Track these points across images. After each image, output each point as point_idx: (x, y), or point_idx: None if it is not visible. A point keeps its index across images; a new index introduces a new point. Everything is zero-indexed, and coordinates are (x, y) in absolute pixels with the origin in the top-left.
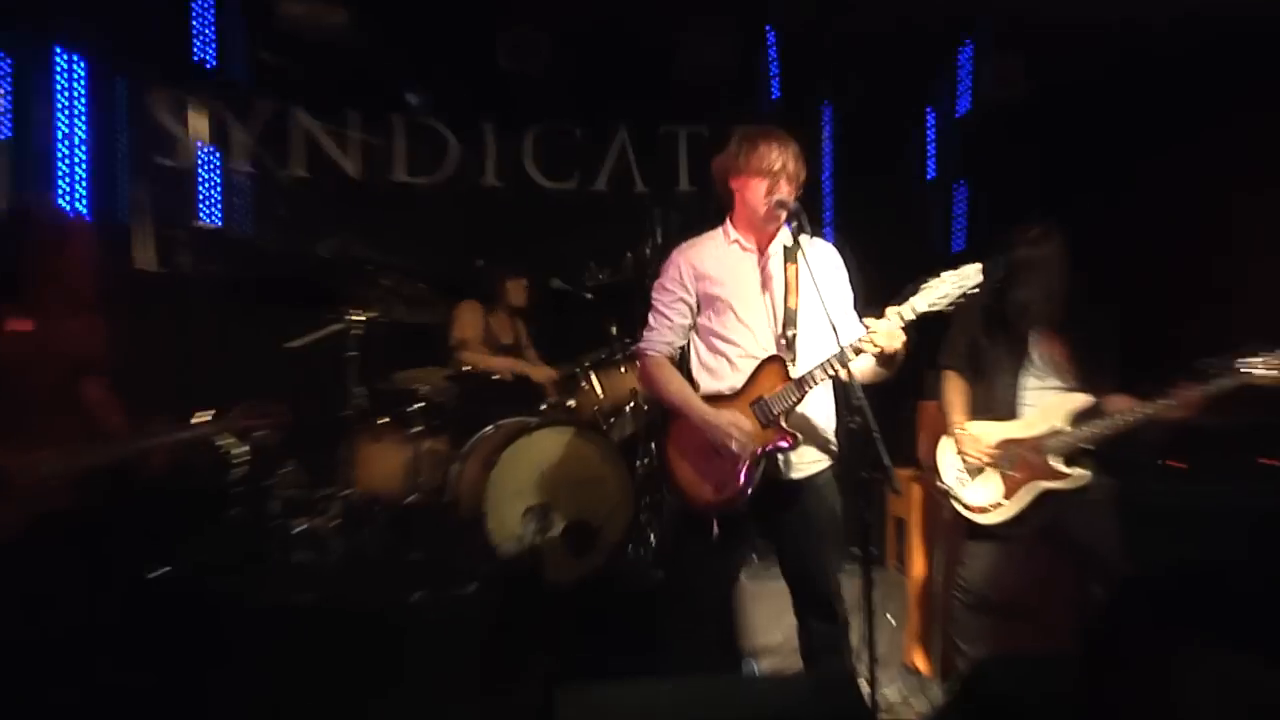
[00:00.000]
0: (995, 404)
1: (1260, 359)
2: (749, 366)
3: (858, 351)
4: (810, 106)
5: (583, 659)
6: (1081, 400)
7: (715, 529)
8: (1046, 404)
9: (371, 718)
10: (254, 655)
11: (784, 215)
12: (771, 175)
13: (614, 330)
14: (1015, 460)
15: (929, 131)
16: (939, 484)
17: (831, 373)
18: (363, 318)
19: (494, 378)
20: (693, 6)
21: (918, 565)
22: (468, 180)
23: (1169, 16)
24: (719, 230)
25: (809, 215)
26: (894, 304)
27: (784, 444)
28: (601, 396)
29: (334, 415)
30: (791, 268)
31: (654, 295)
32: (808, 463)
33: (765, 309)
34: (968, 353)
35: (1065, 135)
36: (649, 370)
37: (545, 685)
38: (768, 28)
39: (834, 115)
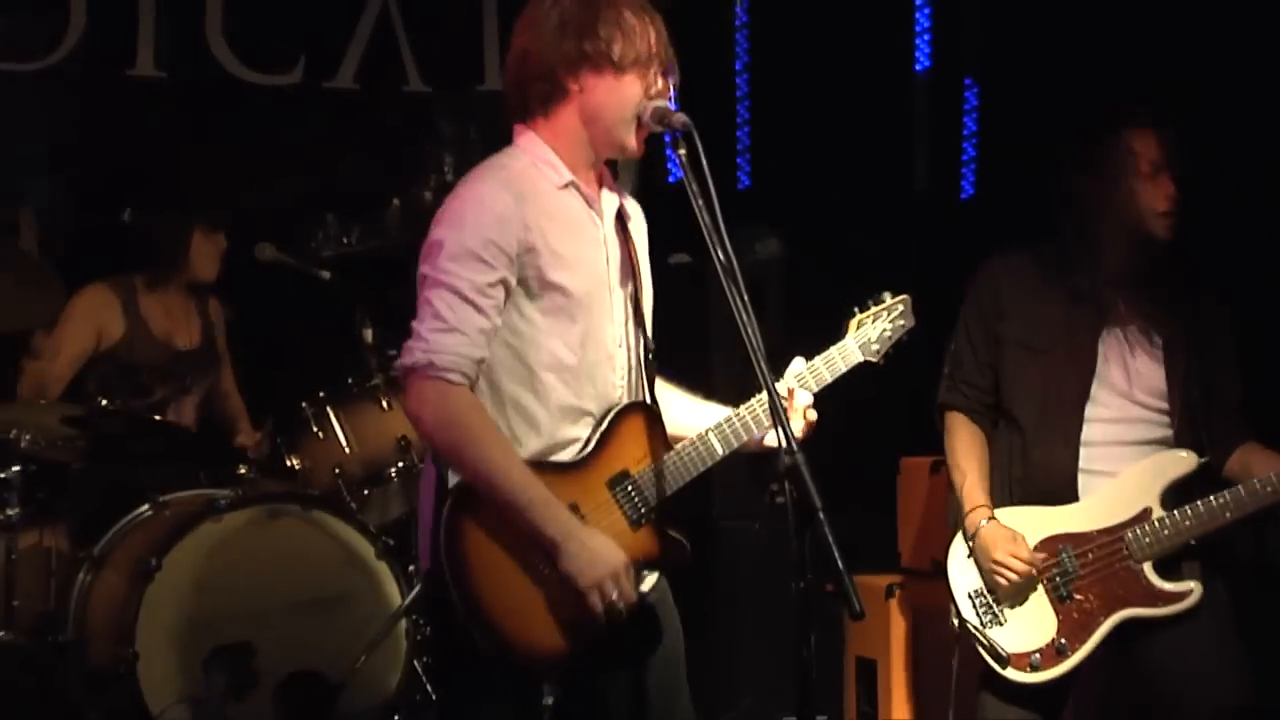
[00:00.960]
0: (1038, 468)
1: None
2: (596, 411)
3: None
4: None
5: None
6: (1188, 462)
7: (547, 697)
8: (1134, 469)
9: None
10: None
11: (664, 135)
12: (650, 65)
13: (368, 335)
14: (1077, 574)
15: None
16: (955, 618)
17: (724, 450)
18: None
19: (157, 418)
20: None
21: None
22: (104, 68)
23: None
24: (528, 159)
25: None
26: (798, 367)
27: (659, 562)
28: (348, 450)
29: None
30: (632, 239)
31: (449, 266)
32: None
33: (620, 314)
34: (986, 371)
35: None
36: (446, 406)
37: None
38: None
39: None
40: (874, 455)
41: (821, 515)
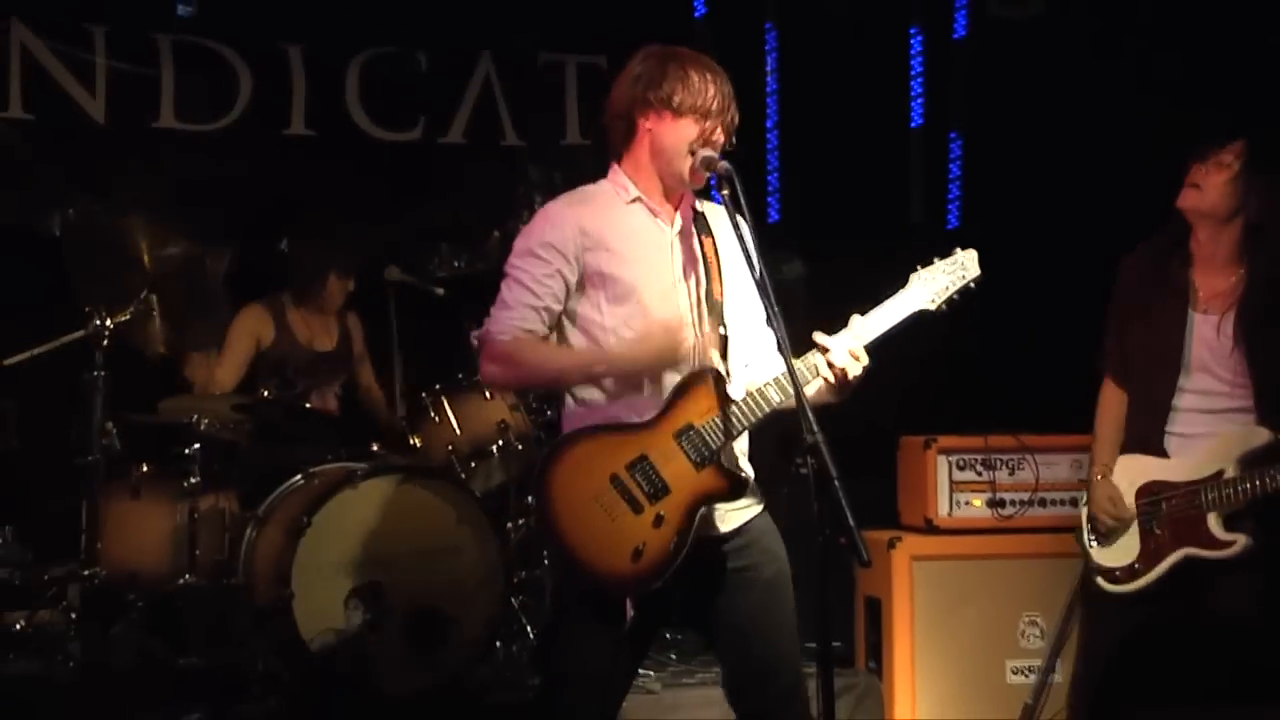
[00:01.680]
0: (1137, 428)
1: None
2: (665, 382)
3: (815, 372)
4: (749, 29)
5: None
6: (1262, 436)
7: (629, 615)
8: (1220, 435)
9: None
10: None
11: (709, 177)
12: (707, 116)
13: (475, 339)
14: (1162, 514)
15: (914, 62)
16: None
17: (781, 397)
18: (113, 322)
19: (307, 405)
20: None
21: (904, 664)
22: (265, 127)
23: None
24: (608, 184)
25: (747, 186)
26: (860, 311)
27: (727, 494)
28: (458, 432)
29: (71, 461)
30: (709, 243)
31: (515, 263)
32: (736, 507)
33: (685, 301)
34: (1121, 341)
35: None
36: (501, 352)
37: None
38: None
39: (780, 41)
40: (878, 433)
41: (836, 483)
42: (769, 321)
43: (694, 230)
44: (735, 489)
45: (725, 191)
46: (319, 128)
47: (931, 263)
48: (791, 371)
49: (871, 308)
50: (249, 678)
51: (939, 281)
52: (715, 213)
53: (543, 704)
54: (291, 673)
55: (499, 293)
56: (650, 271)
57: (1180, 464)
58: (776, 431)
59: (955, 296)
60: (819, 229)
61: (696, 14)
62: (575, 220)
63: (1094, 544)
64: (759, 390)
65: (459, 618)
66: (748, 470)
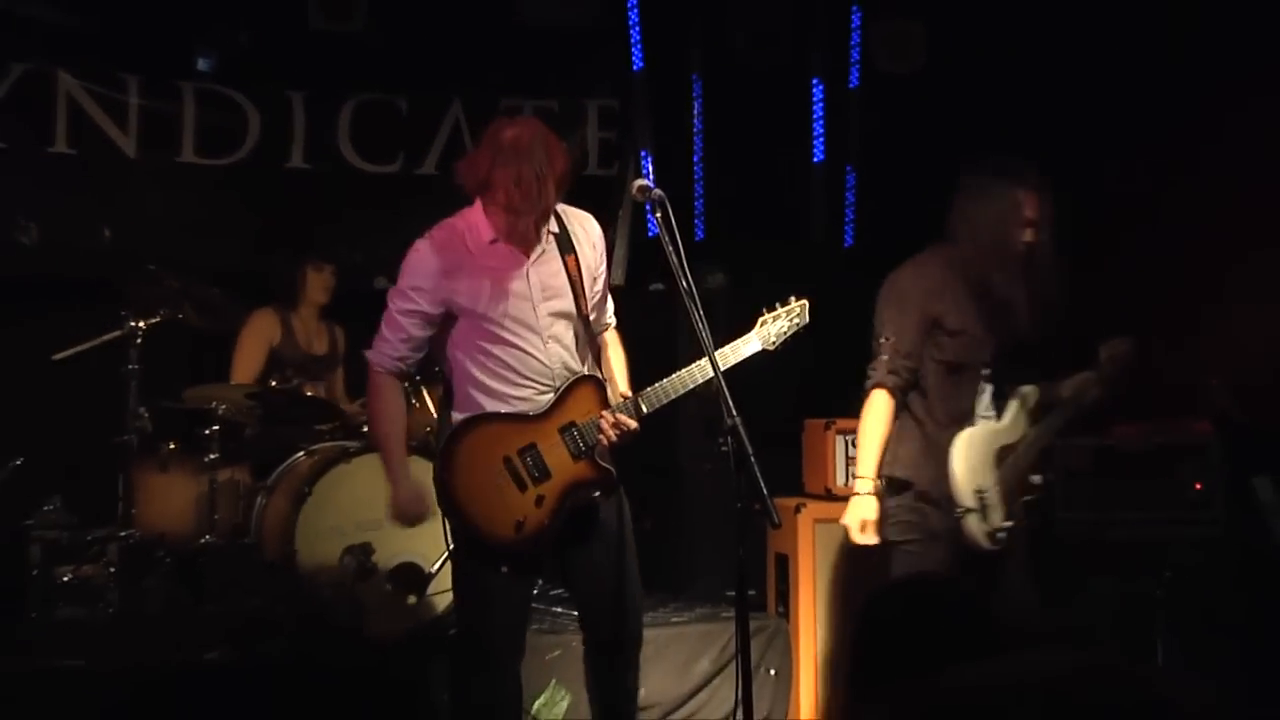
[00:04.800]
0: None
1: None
2: (536, 384)
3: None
4: (677, 80)
5: None
6: (1041, 391)
7: (504, 568)
8: (1020, 396)
9: None
10: None
11: (645, 203)
12: (521, 206)
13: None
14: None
15: (816, 107)
16: (959, 509)
17: (649, 405)
18: (144, 324)
19: (308, 394)
20: None
21: (807, 609)
22: (270, 161)
23: None
24: (471, 223)
25: (677, 210)
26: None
27: (595, 484)
28: (435, 415)
29: (110, 441)
30: (570, 261)
31: (391, 298)
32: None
33: (541, 321)
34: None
35: (968, 111)
36: (371, 385)
37: None
38: None
39: (705, 89)
40: (787, 417)
41: (751, 459)
42: (694, 324)
43: (557, 253)
44: (604, 481)
45: (658, 214)
46: (314, 161)
47: (775, 309)
48: (714, 364)
49: (729, 342)
50: (259, 622)
51: (779, 326)
52: (576, 223)
53: (461, 639)
54: (295, 617)
55: (381, 319)
56: (508, 301)
57: (1008, 427)
58: (702, 415)
59: (788, 338)
60: (736, 245)
61: (635, 67)
62: (436, 265)
63: (977, 516)
64: (630, 399)
65: (437, 570)
66: (609, 464)
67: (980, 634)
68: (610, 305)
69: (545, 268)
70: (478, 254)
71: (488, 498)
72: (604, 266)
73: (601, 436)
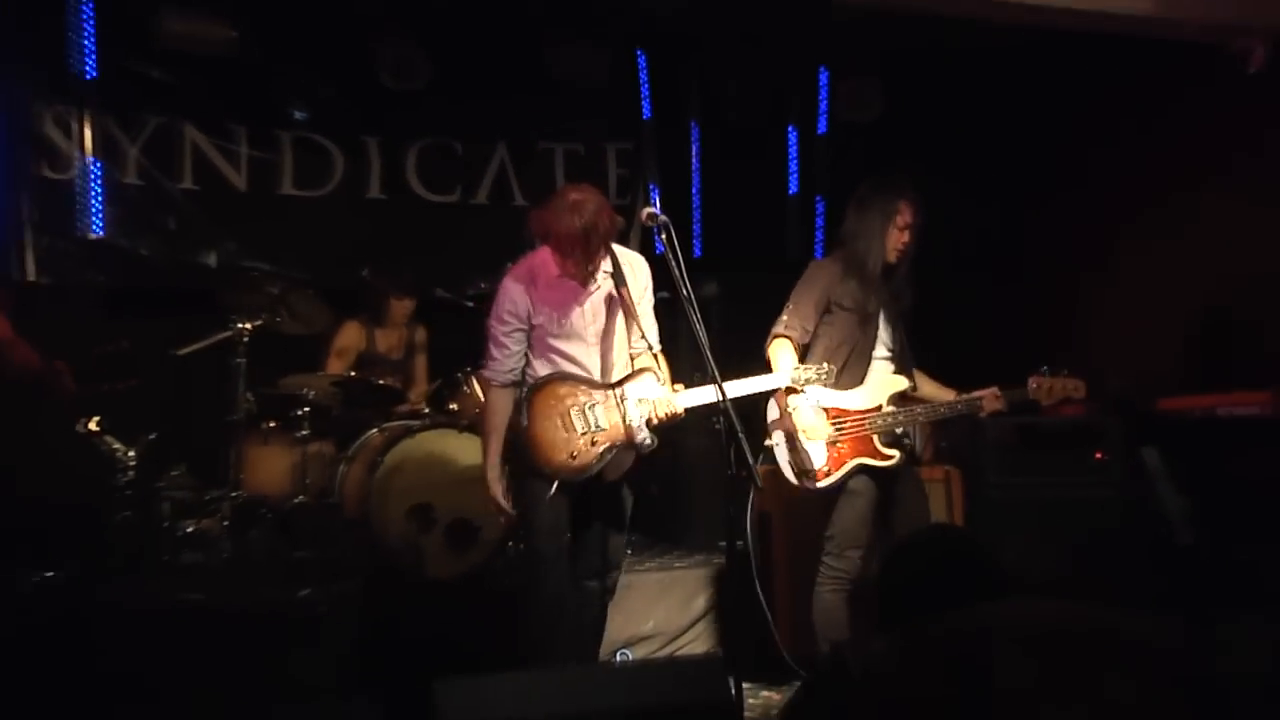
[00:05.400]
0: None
1: (1039, 378)
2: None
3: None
4: (679, 126)
5: (463, 652)
6: (904, 383)
7: (553, 488)
8: (879, 379)
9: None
10: (143, 654)
11: (653, 227)
12: (579, 255)
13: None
14: (845, 431)
15: (791, 149)
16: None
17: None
18: (250, 326)
19: (379, 383)
20: (566, 34)
21: (783, 559)
22: (352, 193)
23: (1011, 40)
24: (546, 260)
25: (678, 232)
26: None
27: (634, 446)
28: (482, 400)
29: (223, 419)
30: (625, 292)
31: (491, 324)
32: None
33: (590, 336)
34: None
35: (916, 151)
36: (485, 397)
37: (425, 678)
38: (639, 51)
39: (701, 134)
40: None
41: (739, 434)
42: (694, 327)
43: (611, 286)
44: (638, 445)
45: (664, 235)
46: (388, 193)
47: (809, 368)
48: (710, 365)
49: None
50: (341, 566)
51: (802, 373)
52: (628, 262)
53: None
54: (370, 563)
55: (487, 340)
56: (573, 319)
57: (859, 396)
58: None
59: (804, 385)
60: (727, 262)
61: (644, 116)
62: (520, 292)
63: (787, 456)
64: (676, 390)
65: (483, 526)
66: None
67: (986, 581)
68: (654, 326)
69: (598, 296)
70: (547, 284)
71: (553, 432)
72: (648, 297)
73: (651, 415)
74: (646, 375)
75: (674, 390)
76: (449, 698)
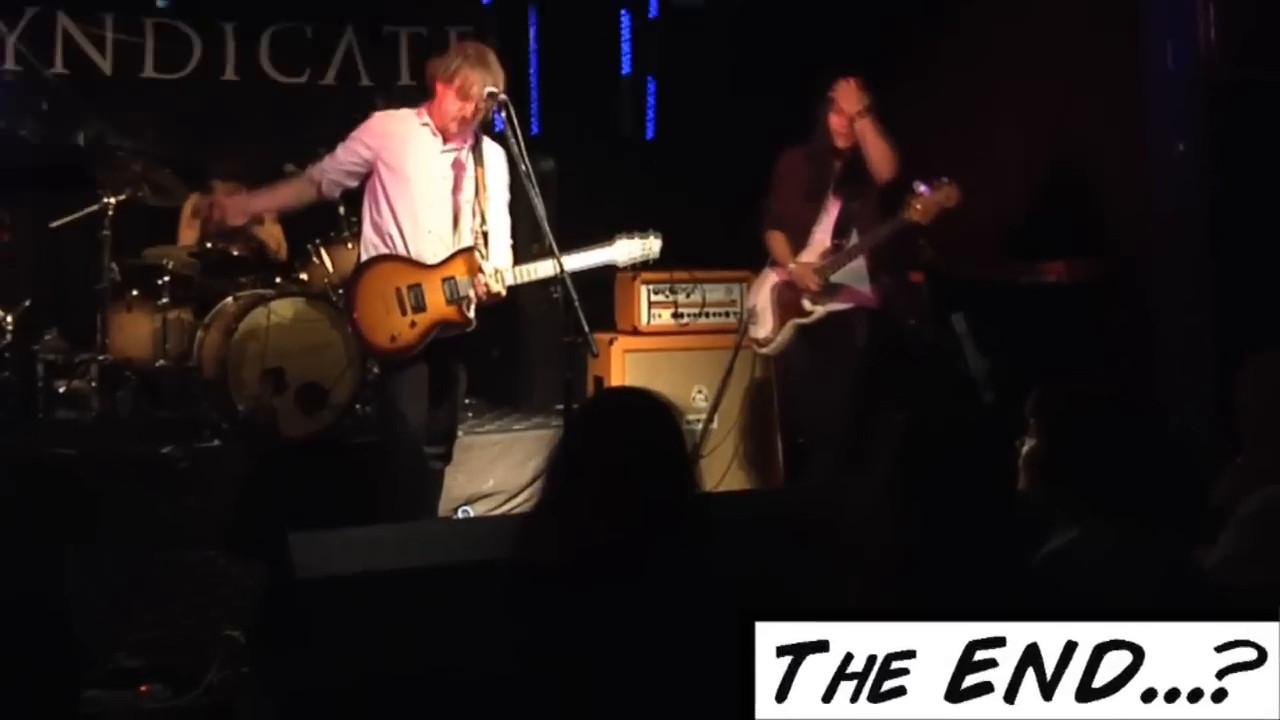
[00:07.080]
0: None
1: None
2: (432, 242)
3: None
4: (518, 11)
5: (314, 506)
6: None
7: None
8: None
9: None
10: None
11: (493, 106)
12: (469, 100)
13: (341, 210)
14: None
15: (624, 32)
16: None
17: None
18: (115, 200)
19: (234, 254)
20: None
21: None
22: (209, 76)
23: None
24: (417, 112)
25: (518, 111)
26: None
27: (457, 326)
28: (331, 271)
29: (91, 288)
30: (480, 171)
31: (342, 141)
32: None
33: (446, 199)
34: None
35: (742, 37)
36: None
37: (279, 530)
38: None
39: (539, 19)
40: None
41: (576, 304)
42: (532, 201)
43: (472, 161)
44: (464, 325)
45: (504, 114)
46: (242, 75)
47: (633, 236)
48: (548, 237)
49: (585, 248)
50: (201, 424)
51: (634, 249)
52: (491, 149)
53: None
54: (227, 422)
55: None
56: (424, 173)
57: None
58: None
59: (637, 264)
60: (564, 139)
61: (485, 3)
62: (378, 127)
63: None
64: (499, 270)
65: (333, 389)
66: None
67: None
68: (505, 219)
69: (451, 158)
70: (411, 131)
71: (375, 313)
72: (502, 190)
73: (472, 293)
74: (470, 254)
75: (512, 266)
76: (304, 550)
